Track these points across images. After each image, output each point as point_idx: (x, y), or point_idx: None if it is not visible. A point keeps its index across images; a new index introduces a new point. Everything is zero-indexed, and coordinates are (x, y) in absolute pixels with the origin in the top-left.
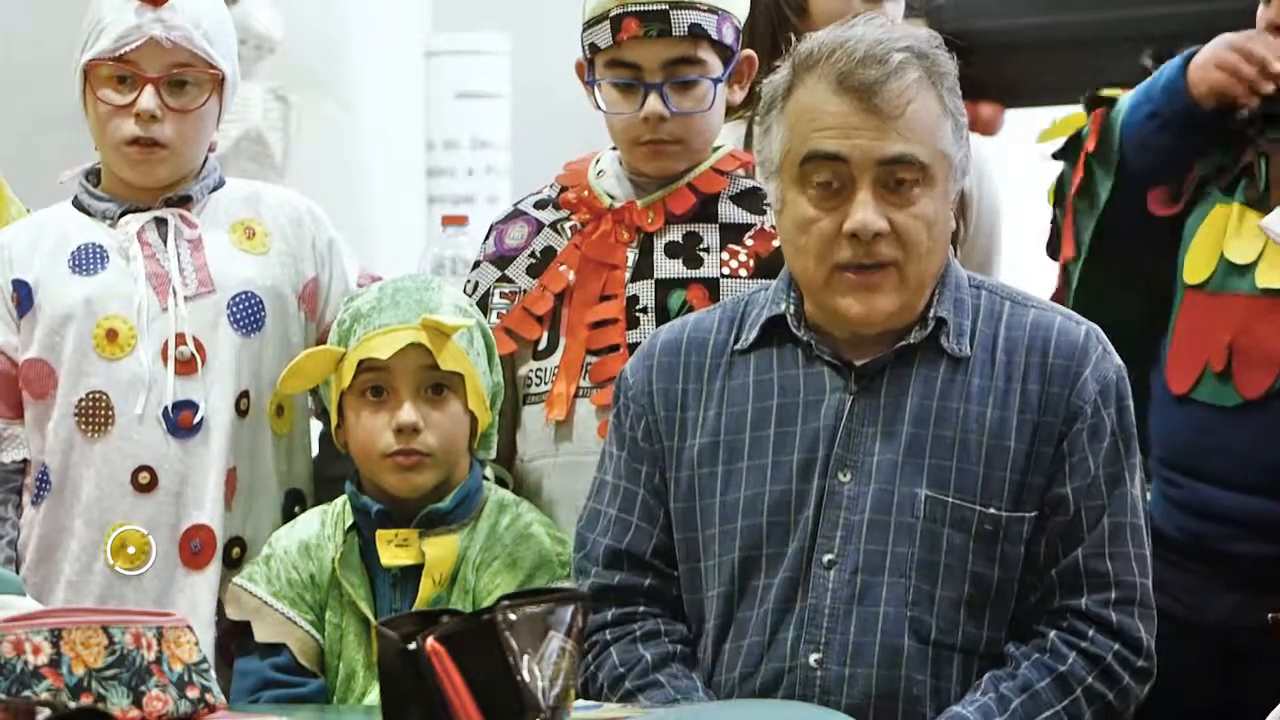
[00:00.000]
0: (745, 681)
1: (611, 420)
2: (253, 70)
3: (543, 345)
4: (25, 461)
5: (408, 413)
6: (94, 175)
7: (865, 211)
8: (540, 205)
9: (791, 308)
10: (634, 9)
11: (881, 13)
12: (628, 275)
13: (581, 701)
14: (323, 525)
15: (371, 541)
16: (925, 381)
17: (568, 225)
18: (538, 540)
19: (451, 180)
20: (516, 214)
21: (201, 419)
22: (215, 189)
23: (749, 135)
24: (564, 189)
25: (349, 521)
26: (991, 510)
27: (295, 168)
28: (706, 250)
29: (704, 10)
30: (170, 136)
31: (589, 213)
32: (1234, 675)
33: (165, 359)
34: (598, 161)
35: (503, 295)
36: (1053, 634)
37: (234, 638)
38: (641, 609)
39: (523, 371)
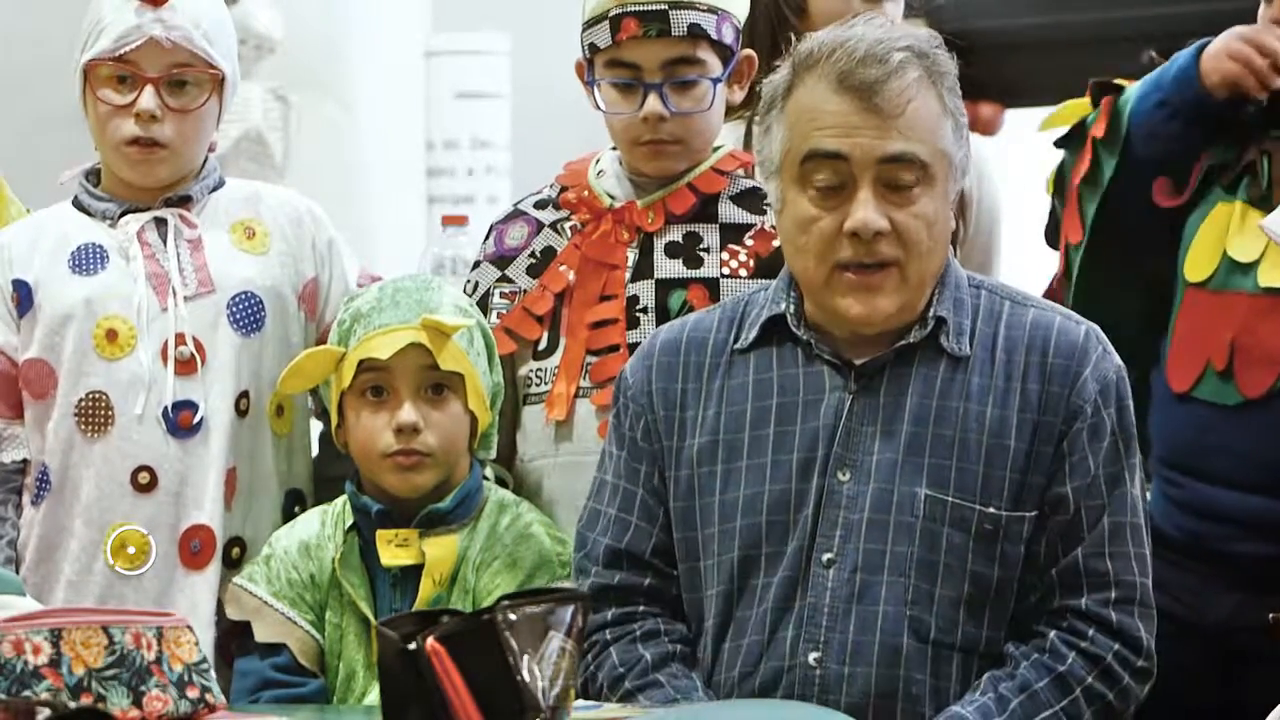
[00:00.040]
0: (744, 681)
1: (611, 420)
2: (253, 70)
3: (543, 345)
4: (25, 461)
5: (408, 413)
6: (94, 175)
7: (866, 210)
8: (540, 205)
9: (791, 307)
10: (633, 9)
11: (881, 13)
12: (628, 275)
13: (581, 701)
14: (323, 525)
15: (371, 541)
16: (925, 381)
17: (568, 225)
18: (538, 540)
19: (451, 180)
20: (516, 214)
21: (201, 419)
22: (215, 189)
23: (748, 135)
24: (564, 189)
25: (349, 521)
26: (991, 509)
27: (295, 168)
28: (706, 250)
29: (703, 10)
30: (170, 136)
31: (589, 213)
32: (1234, 675)
33: (165, 359)
34: (598, 161)
35: (503, 295)
36: (1052, 634)
37: (234, 638)
38: (641, 608)
39: (523, 371)
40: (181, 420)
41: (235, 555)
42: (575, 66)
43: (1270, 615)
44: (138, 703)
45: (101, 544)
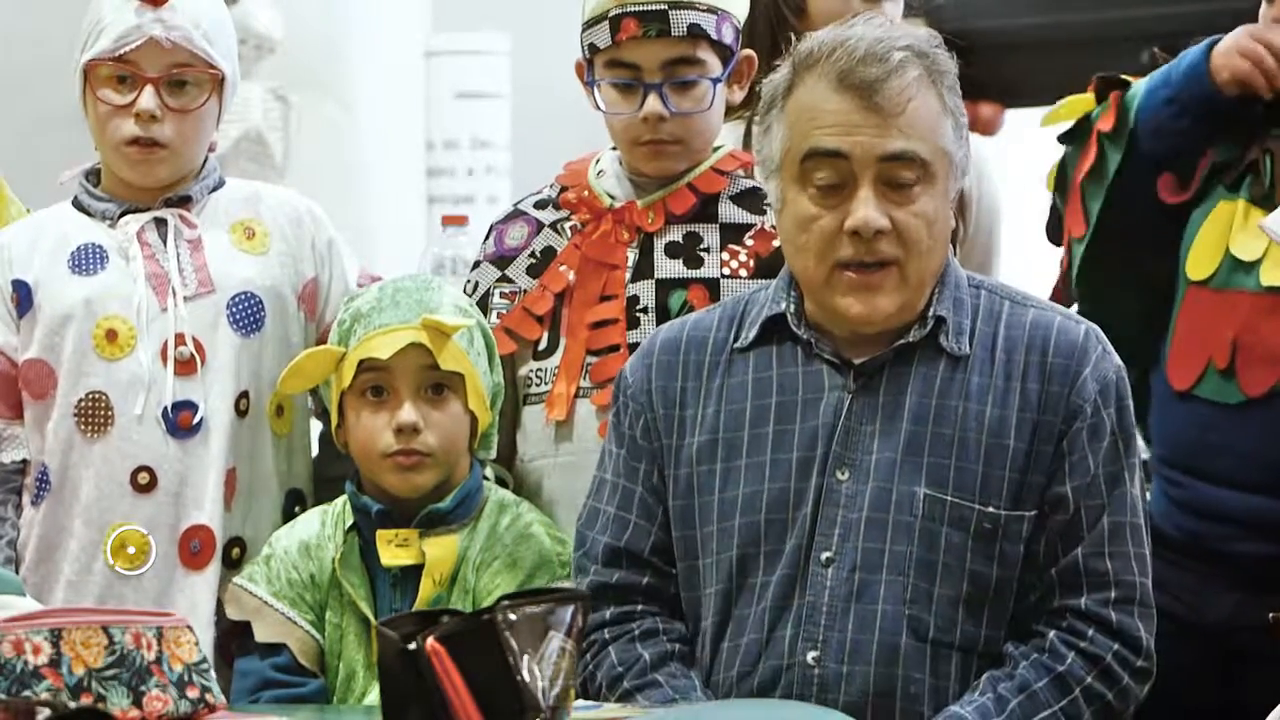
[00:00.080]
0: (743, 680)
1: (611, 418)
2: (253, 70)
3: (543, 345)
4: (25, 462)
5: (408, 413)
6: (94, 175)
7: (867, 209)
8: (540, 205)
9: (791, 306)
10: (633, 9)
11: (880, 12)
12: (628, 275)
13: (581, 701)
14: (323, 525)
15: (372, 541)
16: (924, 380)
17: (568, 225)
18: (538, 540)
19: (451, 180)
20: (516, 214)
21: (201, 419)
22: (215, 189)
23: (748, 135)
24: (564, 189)
25: (349, 521)
26: (990, 509)
27: (295, 168)
28: (707, 250)
29: (703, 10)
30: (170, 136)
31: (589, 213)
32: (1234, 675)
33: (165, 359)
34: (598, 161)
35: (503, 295)
36: (1052, 634)
37: (234, 638)
38: (640, 607)
39: (523, 371)
40: (181, 420)
41: (235, 555)
42: (575, 66)
43: (1270, 615)
44: (138, 703)
45: (101, 544)
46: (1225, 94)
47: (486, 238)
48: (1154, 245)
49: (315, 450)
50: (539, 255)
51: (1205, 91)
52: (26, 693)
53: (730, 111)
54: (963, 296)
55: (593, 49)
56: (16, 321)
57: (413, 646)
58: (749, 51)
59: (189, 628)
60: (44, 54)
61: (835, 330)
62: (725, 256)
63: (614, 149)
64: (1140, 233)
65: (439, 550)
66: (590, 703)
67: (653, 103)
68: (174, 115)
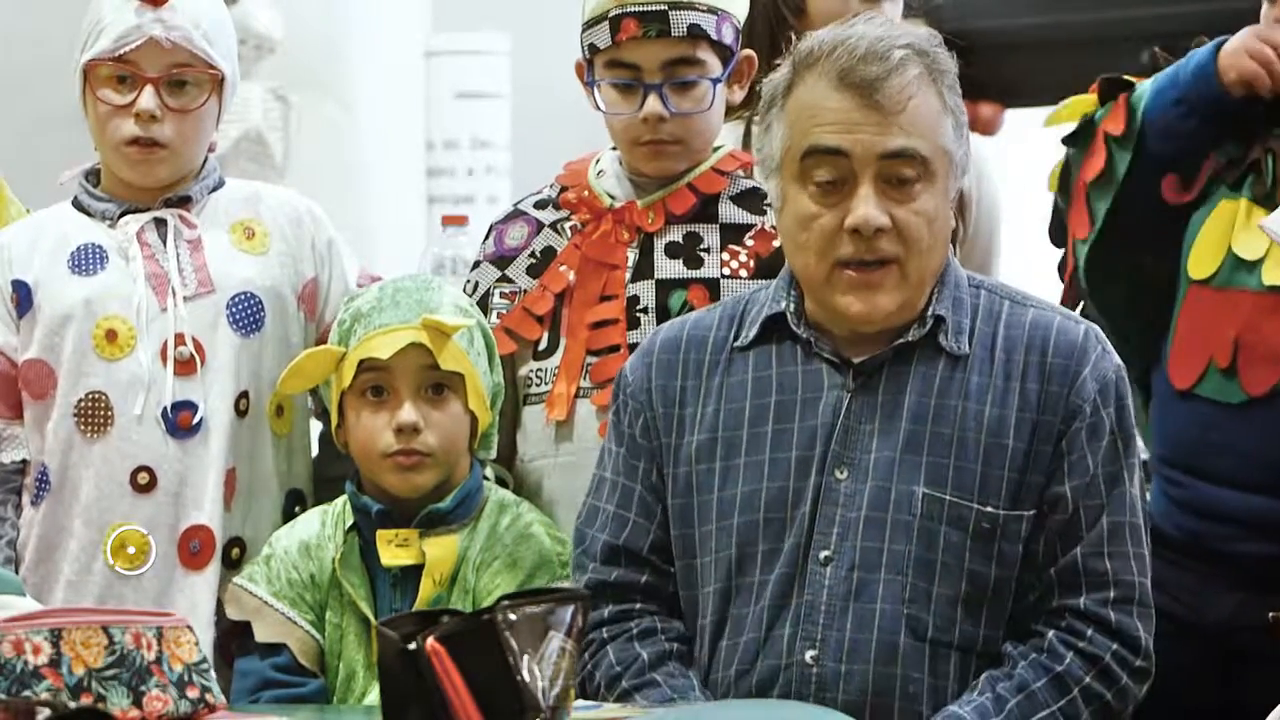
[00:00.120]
0: (741, 679)
1: (610, 417)
2: (253, 70)
3: (543, 345)
4: (24, 462)
5: (408, 413)
6: (94, 175)
7: (867, 206)
8: (540, 205)
9: (792, 306)
10: (633, 9)
11: (880, 12)
12: (628, 275)
13: (581, 701)
14: (323, 525)
15: (372, 541)
16: (923, 379)
17: (568, 225)
18: (538, 540)
19: (451, 180)
20: (516, 214)
21: (201, 419)
22: (215, 189)
23: (747, 135)
24: (564, 189)
25: (349, 521)
26: (989, 508)
27: (295, 168)
28: (707, 250)
29: (703, 10)
30: (170, 136)
31: (589, 213)
32: (1234, 675)
33: (164, 359)
34: (597, 161)
35: (503, 295)
36: (1050, 634)
37: (234, 638)
38: (638, 606)
39: (523, 372)
40: (181, 420)
41: (235, 556)
42: (575, 67)
43: (1270, 614)
44: (138, 703)
45: (101, 544)
46: (1233, 95)
47: (486, 238)
48: (1155, 244)
49: (315, 450)
50: (539, 255)
51: (1213, 92)
52: (26, 693)
53: (730, 111)
54: (962, 296)
55: (593, 49)
56: (16, 322)
57: (413, 646)
58: (749, 52)
59: (189, 628)
60: (44, 54)
61: (835, 329)
62: (725, 257)
63: (614, 149)
64: (1142, 232)
65: (439, 550)
66: (590, 703)
67: (653, 103)
68: (174, 115)
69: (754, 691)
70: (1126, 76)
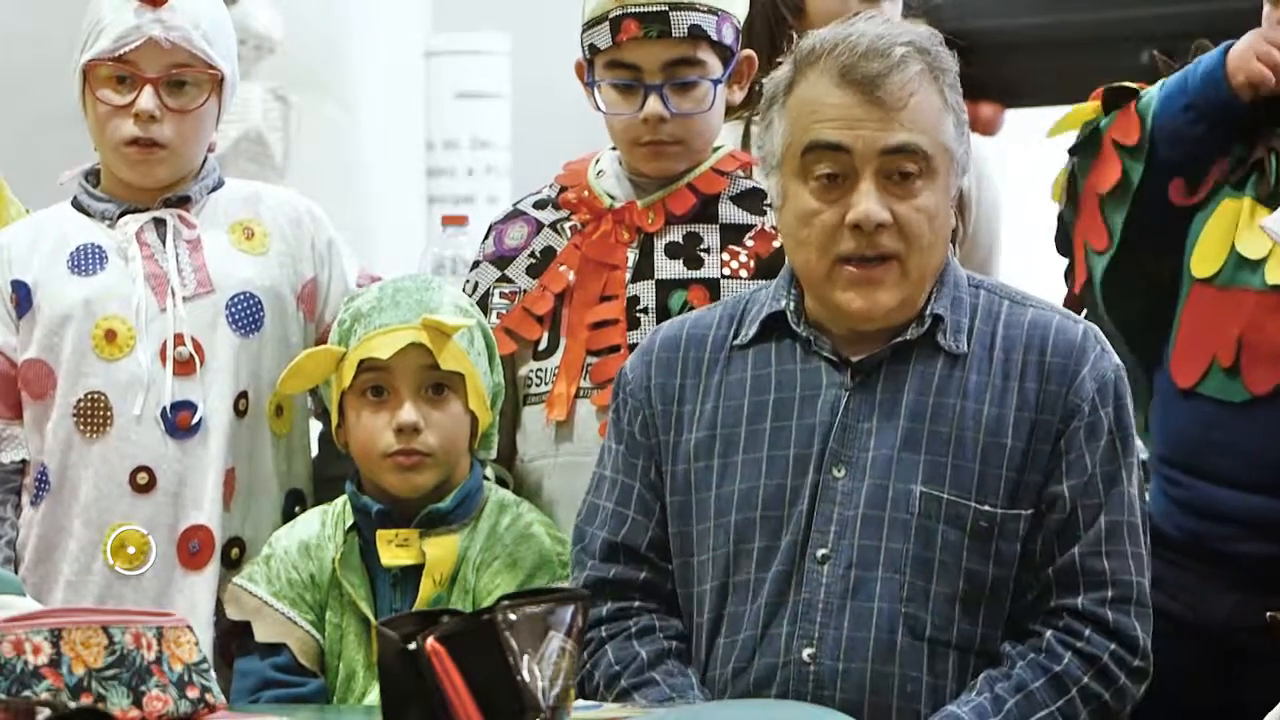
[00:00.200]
0: (738, 676)
1: (610, 415)
2: (253, 70)
3: (543, 345)
4: (24, 462)
5: (408, 412)
6: (93, 176)
7: (868, 202)
8: (540, 205)
9: (791, 304)
10: (634, 10)
11: (879, 11)
12: (628, 276)
13: (581, 701)
14: (323, 525)
15: (372, 541)
16: (922, 378)
17: (567, 225)
18: (538, 540)
19: (451, 180)
20: (516, 214)
21: (200, 419)
22: (214, 189)
23: (747, 135)
24: (563, 189)
25: (349, 521)
26: (986, 507)
27: (295, 168)
28: (707, 251)
29: (704, 11)
30: (169, 137)
31: (589, 213)
32: (1233, 675)
33: (164, 359)
34: (597, 161)
35: (502, 295)
36: (1049, 633)
37: (234, 638)
38: (636, 604)
39: (523, 372)
40: (180, 421)
41: (234, 556)
42: (575, 67)
43: (1269, 614)
44: (138, 703)
45: (100, 544)
46: (1242, 98)
47: (486, 238)
48: (1163, 245)
49: (315, 450)
50: (539, 255)
51: (1222, 97)
52: (26, 693)
53: (730, 111)
54: (961, 295)
55: (593, 50)
56: (16, 322)
57: (413, 646)
58: (749, 52)
59: (189, 628)
60: (44, 54)
61: (835, 328)
62: (725, 257)
63: (613, 149)
64: (1150, 235)
65: (439, 550)
66: (590, 703)
67: (653, 104)
68: (173, 115)
69: (751, 689)
70: (1129, 84)
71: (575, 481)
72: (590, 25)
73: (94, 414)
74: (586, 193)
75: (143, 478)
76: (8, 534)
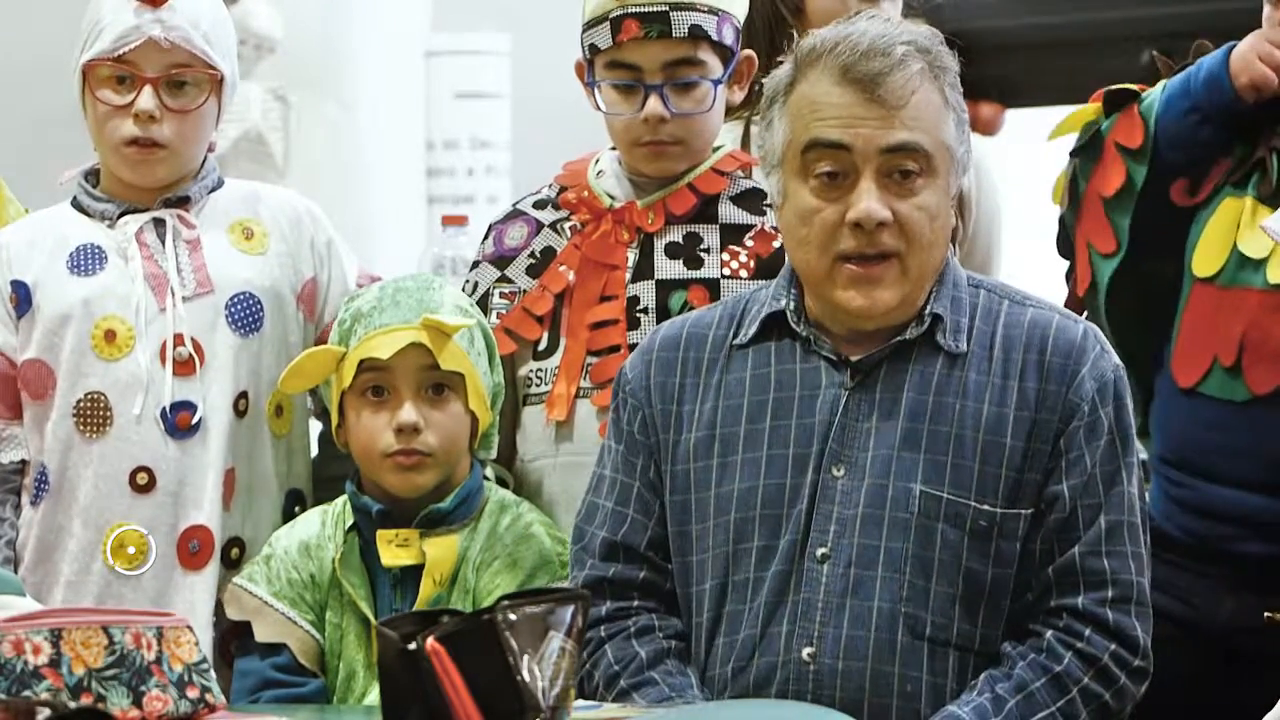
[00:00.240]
0: (738, 676)
1: (610, 414)
2: (253, 70)
3: (543, 345)
4: (24, 462)
5: (408, 412)
6: (93, 176)
7: (869, 200)
8: (539, 205)
9: (791, 304)
10: (634, 10)
11: (880, 11)
12: (628, 276)
13: (581, 701)
14: (323, 525)
15: (372, 541)
16: (921, 377)
17: (567, 225)
18: (538, 540)
19: (451, 180)
20: (516, 214)
21: (199, 420)
22: (214, 189)
23: (747, 135)
24: (563, 189)
25: (349, 521)
26: (986, 506)
27: (295, 168)
28: (707, 251)
29: (704, 11)
30: (169, 137)
31: (589, 213)
32: (1234, 675)
33: (163, 360)
34: (597, 162)
35: (502, 295)
36: (1049, 634)
37: (234, 638)
38: (636, 603)
39: (523, 372)
40: (180, 421)
41: (234, 556)
42: (575, 67)
43: (1266, 614)
44: (138, 703)
45: (100, 544)
46: (1245, 100)
47: (485, 238)
48: (1164, 247)
49: (315, 450)
50: (539, 255)
51: (1226, 99)
52: (26, 693)
53: (730, 111)
54: (961, 295)
55: (593, 50)
56: (15, 322)
57: (413, 646)
58: (749, 52)
59: (189, 628)
60: (44, 54)
61: (835, 327)
62: (725, 257)
63: (613, 149)
64: (1151, 237)
65: (439, 550)
66: (590, 703)
67: (653, 104)
68: (173, 115)
69: (751, 689)
70: (1129, 85)
71: (575, 481)
72: (590, 25)
73: (94, 414)
74: (586, 193)
75: (142, 478)
76: (7, 534)
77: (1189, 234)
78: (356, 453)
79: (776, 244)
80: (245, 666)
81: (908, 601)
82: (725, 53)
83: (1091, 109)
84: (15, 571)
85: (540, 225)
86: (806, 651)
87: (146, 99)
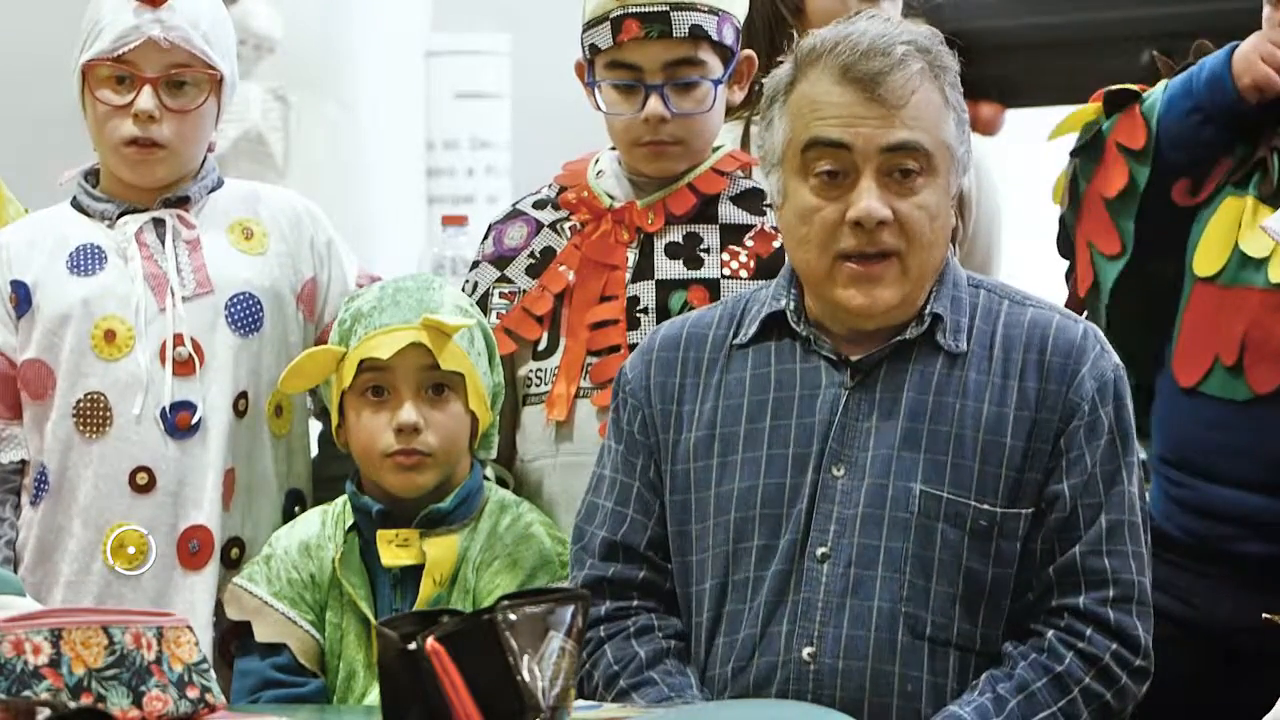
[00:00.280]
0: (738, 675)
1: (610, 414)
2: (253, 70)
3: (543, 345)
4: (24, 462)
5: (408, 412)
6: (93, 176)
7: (869, 199)
8: (539, 205)
9: (791, 304)
10: (634, 10)
11: (879, 11)
12: (628, 276)
13: (581, 701)
14: (323, 525)
15: (372, 541)
16: (921, 376)
17: (567, 225)
18: (538, 540)
19: (451, 180)
20: (515, 214)
21: (199, 420)
22: (214, 189)
23: (747, 135)
24: (563, 189)
25: (349, 521)
26: (986, 506)
27: (295, 168)
28: (707, 251)
29: (704, 11)
30: (168, 137)
31: (589, 213)
32: (1234, 675)
33: (163, 360)
34: (596, 162)
35: (502, 295)
36: (1050, 633)
37: (234, 638)
38: (635, 603)
39: (522, 372)
40: (179, 421)
41: (234, 556)
42: (575, 67)
43: (1264, 615)
44: (138, 703)
45: (100, 544)
46: (1248, 100)
47: (485, 238)
48: (1165, 246)
49: (315, 450)
50: (538, 255)
51: (1229, 100)
52: (26, 693)
53: (730, 111)
54: (961, 295)
55: (594, 50)
56: (15, 322)
57: (413, 646)
58: (749, 52)
59: (189, 628)
60: (44, 54)
61: (835, 327)
62: (725, 257)
63: (613, 149)
64: (1153, 237)
65: (439, 550)
66: (590, 703)
67: (654, 104)
68: (172, 115)
69: (751, 688)
70: (1130, 86)
71: (575, 481)
72: (591, 25)
73: (93, 414)
74: (586, 193)
75: (142, 478)
76: (7, 534)
77: (1190, 234)
78: (356, 453)
79: (776, 244)
80: (245, 666)
81: (908, 601)
82: (725, 53)
83: (1091, 109)
84: (15, 571)
85: (540, 225)
86: (807, 651)
87: (146, 99)
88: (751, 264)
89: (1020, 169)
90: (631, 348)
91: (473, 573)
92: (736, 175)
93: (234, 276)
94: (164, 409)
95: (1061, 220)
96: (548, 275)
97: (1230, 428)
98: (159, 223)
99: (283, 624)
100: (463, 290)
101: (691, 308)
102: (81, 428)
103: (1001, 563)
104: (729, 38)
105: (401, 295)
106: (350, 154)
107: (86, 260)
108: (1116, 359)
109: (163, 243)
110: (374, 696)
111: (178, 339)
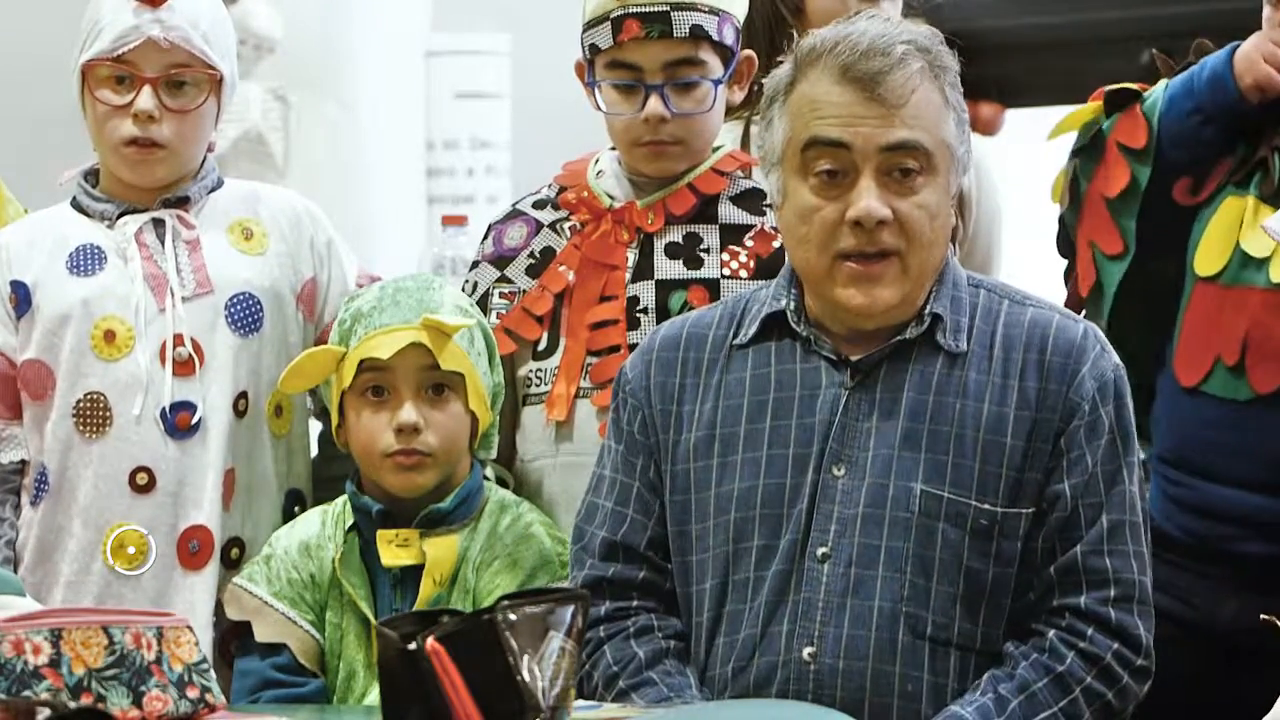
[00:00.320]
0: (738, 675)
1: (610, 414)
2: (253, 70)
3: (542, 346)
4: (23, 462)
5: (408, 412)
6: (92, 176)
7: (869, 198)
8: (539, 205)
9: (791, 304)
10: (635, 10)
11: (879, 11)
12: (628, 276)
13: (581, 701)
14: (323, 525)
15: (372, 541)
16: (921, 376)
17: (567, 225)
18: (538, 540)
19: (451, 180)
20: (515, 214)
21: (199, 420)
22: (213, 189)
23: (747, 135)
24: (563, 189)
25: (349, 521)
26: (986, 506)
27: (295, 168)
28: (707, 251)
29: (705, 11)
30: (168, 137)
31: (589, 213)
32: (1235, 675)
33: (163, 360)
34: (596, 162)
35: (502, 295)
36: (1051, 633)
37: (234, 638)
38: (635, 603)
39: (522, 372)
40: (179, 421)
41: (234, 556)
42: (575, 67)
43: (1262, 616)
44: (138, 703)
45: (100, 544)
46: (1249, 100)
47: (485, 238)
48: (1165, 246)
49: (315, 450)
50: (538, 255)
51: (1230, 100)
52: (26, 693)
53: (730, 111)
54: (961, 295)
55: (594, 50)
56: (15, 322)
57: (413, 646)
58: (749, 52)
59: (189, 628)
60: (44, 54)
61: (835, 327)
62: (725, 257)
63: (612, 149)
64: (1151, 235)
65: (439, 550)
66: (590, 703)
67: (654, 104)
68: (172, 115)
69: (751, 688)
70: (1130, 85)
71: (575, 481)
72: (591, 25)
73: (93, 414)
74: (586, 193)
75: (142, 478)
76: (7, 534)
77: (1191, 233)
78: (356, 453)
79: (776, 244)
80: (245, 666)
81: (909, 601)
82: (726, 53)
83: (1091, 109)
84: (15, 571)
85: (540, 225)
86: (807, 651)
87: (146, 99)
88: (751, 264)
89: (1020, 169)
90: (631, 348)
91: (473, 573)
92: (736, 175)
93: (234, 276)
94: (164, 409)
95: (1061, 220)
96: (548, 275)
97: (1231, 427)
98: (159, 223)
99: (283, 624)
100: (463, 290)
101: (691, 308)
102: (81, 428)
103: (1002, 562)
104: (729, 38)
105: (401, 295)
106: (350, 154)
107: (86, 260)
108: (1117, 359)
109: (162, 243)
110: (374, 696)
111: (177, 339)
